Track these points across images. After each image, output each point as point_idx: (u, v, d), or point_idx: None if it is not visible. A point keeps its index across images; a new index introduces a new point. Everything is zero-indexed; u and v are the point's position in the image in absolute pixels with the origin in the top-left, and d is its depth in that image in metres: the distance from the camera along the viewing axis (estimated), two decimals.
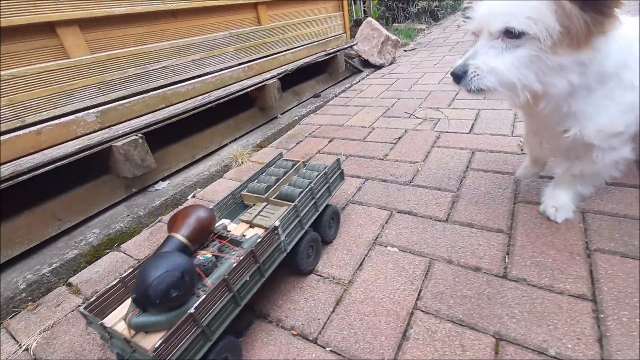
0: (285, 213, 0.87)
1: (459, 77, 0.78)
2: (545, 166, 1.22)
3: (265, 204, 1.02)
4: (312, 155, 1.74)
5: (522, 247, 0.96)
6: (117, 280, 0.75)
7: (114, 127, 1.33)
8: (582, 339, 0.71)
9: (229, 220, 0.98)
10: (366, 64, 3.27)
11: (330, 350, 0.77)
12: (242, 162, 1.77)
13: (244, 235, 0.90)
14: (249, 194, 1.06)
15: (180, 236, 0.76)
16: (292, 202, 0.92)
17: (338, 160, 1.12)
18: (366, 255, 1.03)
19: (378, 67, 3.27)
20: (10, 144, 1.10)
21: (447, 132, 1.74)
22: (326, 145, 1.82)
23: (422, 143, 1.66)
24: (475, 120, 1.82)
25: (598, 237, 0.94)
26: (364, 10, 4.05)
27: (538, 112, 0.85)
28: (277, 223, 0.83)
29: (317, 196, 1.00)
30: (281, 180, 1.09)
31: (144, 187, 1.51)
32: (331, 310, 0.87)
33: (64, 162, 1.15)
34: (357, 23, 3.51)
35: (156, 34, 1.50)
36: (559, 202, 1.05)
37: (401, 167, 1.48)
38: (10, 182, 1.05)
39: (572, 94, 0.79)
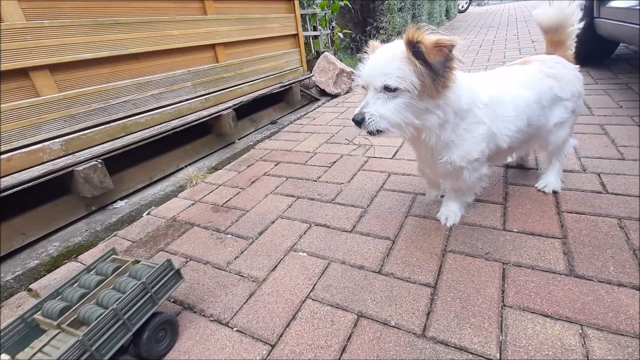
0: (64, 353, 0.73)
1: (359, 122, 1.01)
2: (440, 188, 1.51)
3: (57, 331, 0.85)
4: (258, 177, 1.99)
5: (399, 250, 1.23)
6: (17, 317, 0.78)
7: (77, 154, 1.55)
8: (416, 313, 0.97)
9: (8, 357, 0.82)
10: (323, 93, 3.61)
11: (236, 330, 1.01)
12: (196, 183, 2.00)
13: None
14: (42, 318, 0.88)
15: None
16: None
17: (168, 261, 0.99)
18: (281, 259, 1.28)
19: (334, 96, 3.62)
20: None
21: (374, 157, 2.04)
22: (272, 168, 2.09)
23: (351, 167, 1.96)
24: (400, 147, 2.14)
25: (454, 241, 1.23)
26: (325, 44, 4.44)
27: (422, 144, 1.14)
28: None
29: (127, 316, 0.86)
30: (91, 293, 0.93)
31: (102, 206, 1.71)
32: (244, 301, 1.11)
33: (30, 184, 1.36)
34: (318, 55, 3.88)
35: (119, 74, 1.75)
36: (449, 210, 1.34)
37: (329, 187, 1.76)
38: None
39: (442, 127, 1.08)
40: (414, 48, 0.92)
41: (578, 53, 1.40)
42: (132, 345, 0.91)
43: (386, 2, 5.28)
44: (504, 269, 1.08)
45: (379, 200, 1.58)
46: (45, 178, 1.40)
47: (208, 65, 2.27)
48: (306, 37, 3.95)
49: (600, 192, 1.38)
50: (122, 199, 1.79)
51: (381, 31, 5.41)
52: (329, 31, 4.41)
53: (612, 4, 2.43)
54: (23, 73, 1.40)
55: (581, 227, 1.21)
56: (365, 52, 1.08)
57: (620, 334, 0.83)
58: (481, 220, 1.33)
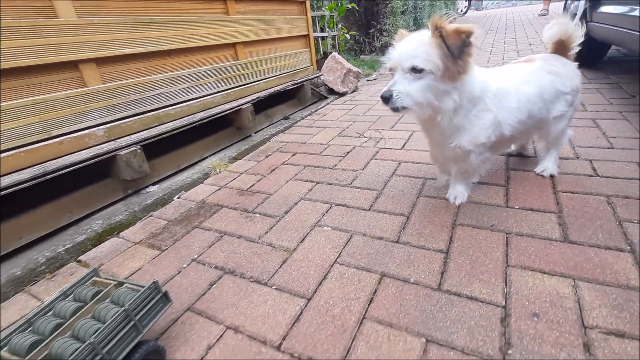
0: None
1: (387, 99, 1.14)
2: (450, 173, 1.66)
3: None
4: (277, 166, 2.14)
5: (413, 224, 1.39)
6: None
7: (118, 140, 1.70)
8: (432, 272, 1.13)
9: None
10: (331, 91, 3.77)
11: (275, 288, 1.16)
12: (220, 171, 2.15)
13: None
14: (8, 355, 0.78)
15: None
16: None
17: (155, 283, 0.91)
18: (308, 233, 1.43)
19: (342, 95, 3.78)
20: (38, 151, 1.45)
21: (384, 148, 2.20)
22: (289, 158, 2.24)
23: (364, 156, 2.11)
24: (408, 139, 2.30)
25: (462, 216, 1.39)
26: (332, 45, 4.62)
27: (435, 128, 1.29)
28: None
29: (107, 349, 0.77)
30: (64, 326, 0.83)
31: (137, 190, 1.86)
32: (278, 266, 1.26)
33: (79, 165, 1.51)
34: (325, 56, 4.05)
35: (153, 68, 1.90)
36: (457, 191, 1.49)
37: (344, 174, 1.91)
38: (40, 179, 1.39)
39: (456, 111, 1.22)
40: (438, 33, 1.07)
41: (577, 57, 1.57)
42: None
43: (389, 5, 5.45)
44: (507, 237, 1.24)
45: (392, 184, 1.74)
46: (93, 161, 1.55)
47: (229, 63, 2.43)
48: (315, 38, 4.11)
49: (591, 175, 1.54)
50: (153, 184, 1.94)
51: (384, 33, 5.59)
52: (336, 32, 4.58)
53: (603, 9, 2.61)
54: (73, 65, 1.55)
55: (574, 203, 1.37)
56: (394, 39, 1.23)
57: (607, 285, 0.99)
58: (486, 199, 1.49)
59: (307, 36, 3.36)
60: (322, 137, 2.57)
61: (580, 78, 1.50)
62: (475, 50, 1.14)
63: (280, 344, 0.95)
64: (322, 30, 4.34)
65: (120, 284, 0.96)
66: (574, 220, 1.27)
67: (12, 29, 1.33)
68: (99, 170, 1.71)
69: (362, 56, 5.71)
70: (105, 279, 1.00)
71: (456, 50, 1.08)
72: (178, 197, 1.90)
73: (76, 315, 0.86)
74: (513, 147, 1.85)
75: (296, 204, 1.67)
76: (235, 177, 2.06)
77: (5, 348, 0.79)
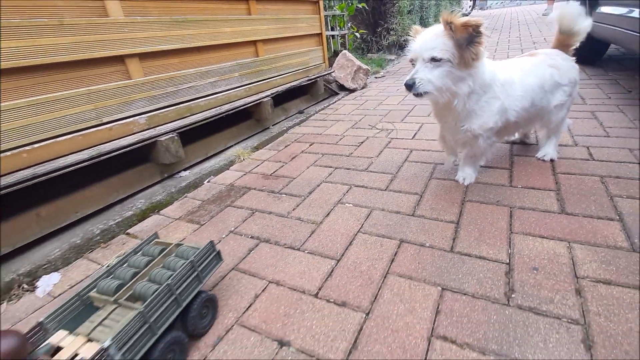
0: (127, 324, 0.77)
1: (410, 86, 1.28)
2: (457, 155, 1.82)
3: (114, 306, 0.88)
4: (297, 154, 2.31)
5: (427, 201, 1.55)
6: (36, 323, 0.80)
7: (157, 128, 1.88)
8: (445, 238, 1.29)
9: (67, 332, 0.84)
10: (342, 87, 3.94)
11: (307, 252, 1.33)
12: (244, 159, 2.33)
13: (76, 354, 0.77)
14: (97, 295, 0.92)
15: None
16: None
17: (211, 243, 1.06)
18: (332, 209, 1.60)
19: (352, 91, 3.95)
20: (93, 135, 1.63)
21: (396, 138, 2.37)
22: (307, 148, 2.41)
23: (377, 145, 2.28)
24: (418, 130, 2.46)
25: (471, 194, 1.55)
26: (341, 43, 4.78)
27: (450, 113, 1.44)
28: (107, 343, 0.72)
29: (178, 291, 0.91)
30: (140, 273, 0.98)
31: (172, 174, 2.04)
32: (308, 235, 1.43)
33: (127, 149, 1.69)
34: (336, 54, 4.21)
35: (186, 63, 2.08)
36: (465, 173, 1.66)
37: (360, 160, 2.08)
38: (96, 159, 1.57)
39: (469, 97, 1.37)
40: (449, 27, 1.22)
41: (575, 53, 1.72)
42: (178, 321, 0.93)
43: (396, 5, 5.61)
44: (511, 210, 1.40)
45: (405, 168, 1.90)
46: (138, 145, 1.73)
47: (250, 59, 2.60)
48: (326, 37, 4.28)
49: (587, 159, 1.70)
50: (185, 169, 2.11)
51: (391, 32, 5.74)
52: (345, 31, 4.75)
53: (602, 9, 2.76)
54: (120, 59, 1.73)
55: (571, 182, 1.53)
56: (410, 34, 1.39)
57: (597, 246, 1.15)
58: (492, 180, 1.65)
59: (320, 34, 3.53)
60: (337, 129, 2.73)
61: (578, 72, 1.65)
62: (485, 39, 1.29)
63: (317, 293, 1.12)
64: (332, 29, 4.51)
65: (179, 244, 1.10)
66: (571, 196, 1.43)
67: (71, 27, 1.51)
68: (139, 155, 1.89)
69: (369, 55, 5.87)
70: (165, 241, 1.14)
71: (464, 41, 1.23)
72: (208, 181, 2.07)
73: (149, 266, 1.02)
74: (517, 136, 2.01)
75: (318, 186, 1.84)
76: (258, 164, 2.23)
77: (94, 290, 0.95)
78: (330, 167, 2.05)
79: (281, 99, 3.07)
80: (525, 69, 1.54)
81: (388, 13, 5.72)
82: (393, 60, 5.71)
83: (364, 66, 4.02)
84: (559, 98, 1.61)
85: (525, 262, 1.13)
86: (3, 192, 1.28)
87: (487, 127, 1.45)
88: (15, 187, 1.31)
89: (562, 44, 1.69)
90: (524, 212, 1.37)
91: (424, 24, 6.95)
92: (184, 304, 0.94)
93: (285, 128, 2.83)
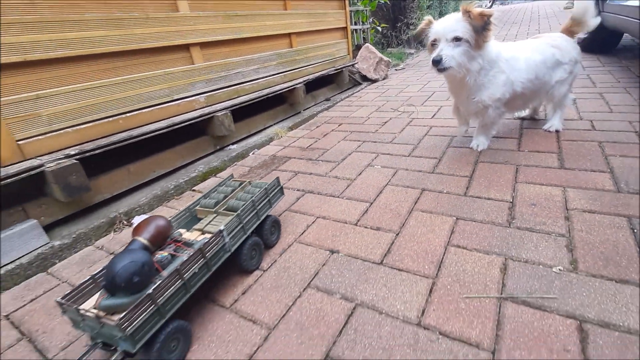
0: (230, 220, 1.05)
1: (438, 61, 1.52)
2: (469, 124, 2.06)
3: (214, 215, 1.21)
4: (328, 132, 2.62)
5: (445, 163, 1.83)
6: (89, 277, 0.91)
7: (213, 105, 2.23)
8: (459, 187, 1.56)
9: (185, 230, 1.17)
10: (365, 78, 4.22)
11: (345, 198, 1.63)
12: (281, 136, 2.65)
13: (196, 240, 1.07)
14: (202, 208, 1.25)
15: (142, 239, 0.95)
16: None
17: (277, 179, 1.34)
18: (363, 170, 1.90)
19: (374, 81, 4.23)
20: (167, 109, 1.99)
21: (417, 118, 2.64)
22: (337, 127, 2.71)
23: (400, 124, 2.56)
24: (437, 111, 2.72)
25: (482, 157, 1.82)
26: (363, 37, 5.06)
27: (463, 87, 1.69)
28: (222, 227, 1.02)
29: (258, 207, 1.21)
30: (229, 196, 1.29)
31: (223, 147, 2.38)
32: (345, 188, 1.73)
33: (192, 121, 2.04)
34: (357, 47, 4.50)
35: (235, 52, 2.42)
36: (479, 141, 1.92)
37: (385, 135, 2.37)
38: (168, 129, 1.92)
39: (479, 72, 1.63)
40: (467, 15, 1.50)
41: (590, 43, 1.96)
42: (255, 232, 1.24)
43: (416, 0, 5.83)
44: (516, 167, 1.66)
45: (425, 140, 2.18)
46: (200, 118, 2.08)
47: (285, 50, 2.93)
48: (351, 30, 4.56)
49: (589, 130, 1.93)
50: (233, 143, 2.46)
51: (411, 27, 5.97)
52: (368, 26, 5.02)
53: (614, 1, 2.93)
54: (186, 48, 2.09)
55: (572, 147, 1.77)
56: (421, 25, 1.66)
57: (587, 189, 1.40)
58: (502, 147, 1.91)
59: (345, 28, 3.82)
60: (362, 112, 3.02)
61: (578, 51, 1.88)
62: (494, 27, 1.57)
63: (357, 222, 1.42)
64: (355, 23, 4.79)
65: (250, 182, 1.43)
66: (570, 156, 1.68)
67: (154, 19, 1.87)
68: (198, 129, 2.24)
69: (389, 49, 6.12)
70: (240, 179, 1.49)
71: (479, 27, 1.52)
72: (253, 153, 2.41)
73: (234, 192, 1.35)
74: (527, 112, 2.25)
75: (349, 154, 2.14)
76: (294, 140, 2.55)
77: (198, 205, 1.29)
78: (359, 140, 2.35)
79: (311, 87, 3.38)
80: (528, 48, 1.80)
81: (408, 8, 5.95)
82: (412, 54, 5.93)
83: (385, 58, 4.29)
84: (560, 75, 1.84)
85: (525, 200, 1.39)
86: (110, 147, 1.64)
87: (495, 98, 1.71)
88: (117, 145, 1.67)
89: (568, 30, 1.92)
90: (528, 168, 1.63)
91: None
92: (261, 219, 1.26)
93: (315, 112, 3.15)
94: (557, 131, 1.97)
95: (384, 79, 4.34)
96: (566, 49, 1.83)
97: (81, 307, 0.84)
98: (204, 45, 2.18)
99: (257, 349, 0.93)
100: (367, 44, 4.28)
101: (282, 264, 1.24)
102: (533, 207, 1.35)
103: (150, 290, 0.83)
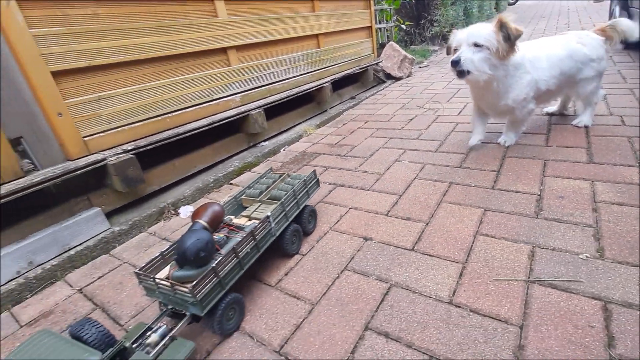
0: (275, 208, 1.18)
1: (456, 62, 1.55)
2: (484, 135, 1.98)
3: (259, 204, 1.34)
4: (354, 129, 2.71)
5: (472, 158, 1.88)
6: (158, 254, 1.05)
7: (247, 105, 2.37)
8: (487, 181, 1.62)
9: (233, 217, 1.30)
10: (389, 76, 4.27)
11: (375, 191, 1.72)
12: (310, 134, 2.77)
13: (246, 225, 1.21)
14: (247, 197, 1.39)
15: (202, 221, 1.07)
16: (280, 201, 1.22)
17: (314, 172, 1.45)
18: (391, 165, 1.98)
19: (398, 79, 4.27)
20: (207, 108, 2.14)
21: (442, 115, 2.69)
22: (363, 124, 2.80)
23: (426, 121, 2.61)
24: (463, 108, 2.76)
25: (510, 152, 1.86)
26: (387, 35, 5.10)
27: (490, 91, 1.70)
28: (268, 213, 1.15)
29: (298, 197, 1.32)
30: (271, 187, 1.42)
31: (255, 143, 2.52)
32: (374, 181, 1.82)
33: (230, 119, 2.18)
34: (381, 46, 4.55)
35: (267, 54, 2.55)
36: (507, 137, 1.94)
37: (411, 132, 2.43)
38: (208, 127, 2.08)
39: (505, 77, 1.67)
40: (502, 27, 1.54)
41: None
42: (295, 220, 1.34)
43: None
44: (544, 162, 1.70)
45: (451, 137, 2.23)
46: (237, 117, 2.22)
47: (313, 50, 3.04)
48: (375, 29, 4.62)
49: (619, 125, 1.93)
50: (264, 140, 2.60)
51: (435, 24, 5.94)
52: (392, 24, 5.06)
53: None
54: (224, 51, 2.23)
55: (601, 142, 1.78)
56: (449, 31, 1.72)
57: (615, 183, 1.43)
58: (530, 142, 1.94)
59: (370, 27, 3.89)
60: (387, 110, 3.09)
61: (604, 49, 1.86)
62: (519, 43, 1.62)
63: (387, 213, 1.51)
64: (379, 22, 4.84)
65: (288, 175, 1.55)
66: (599, 151, 1.70)
67: (196, 25, 2.02)
68: (233, 127, 2.39)
69: (412, 46, 6.12)
70: (278, 172, 1.63)
71: (513, 40, 1.56)
72: (284, 149, 2.54)
73: (275, 184, 1.48)
74: (556, 108, 2.25)
75: (377, 150, 2.23)
76: (323, 137, 2.66)
77: (243, 195, 1.43)
78: (385, 137, 2.43)
79: (336, 85, 3.48)
80: (552, 44, 1.82)
81: (431, 5, 5.93)
82: (436, 51, 5.91)
83: (410, 56, 4.32)
84: (587, 72, 1.84)
85: (553, 193, 1.44)
86: (159, 144, 1.80)
87: (520, 99, 1.73)
88: (165, 142, 1.84)
89: (603, 31, 1.88)
90: (556, 163, 1.67)
91: (468, 14, 7.03)
92: (301, 208, 1.37)
93: (341, 110, 3.24)
94: (586, 127, 1.98)
95: (408, 76, 4.38)
96: (592, 44, 1.83)
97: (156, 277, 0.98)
98: (239, 48, 2.32)
99: (303, 320, 1.04)
100: (391, 42, 4.33)
101: (319, 249, 1.35)
102: (561, 199, 1.39)
103: (213, 264, 0.96)
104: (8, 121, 1.39)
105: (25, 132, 1.46)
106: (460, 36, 1.61)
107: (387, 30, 5.08)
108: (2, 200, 1.30)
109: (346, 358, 0.90)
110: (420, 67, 4.95)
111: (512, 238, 1.22)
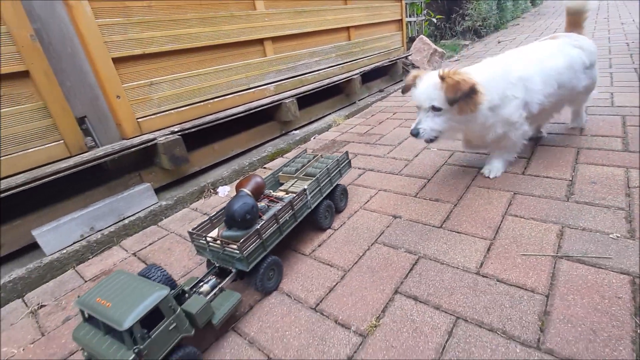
0: (310, 183, 1.28)
1: (415, 135, 1.36)
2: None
3: (295, 180, 1.44)
4: (383, 120, 2.76)
5: None
6: (207, 218, 1.17)
7: (281, 94, 2.48)
8: (518, 167, 1.64)
9: (271, 191, 1.42)
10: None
11: (405, 175, 1.77)
12: (339, 124, 2.85)
13: (284, 197, 1.34)
14: (284, 174, 1.50)
15: (247, 190, 1.18)
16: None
17: (347, 152, 1.53)
18: (420, 152, 2.02)
19: None
20: (244, 96, 2.27)
21: None
22: (391, 116, 2.84)
23: None
24: None
25: (542, 140, 1.85)
26: (417, 29, 5.08)
27: (474, 127, 1.42)
28: (305, 186, 1.26)
29: (332, 175, 1.41)
30: (306, 165, 1.51)
31: (287, 132, 2.63)
32: (403, 167, 1.87)
33: (265, 107, 2.30)
34: (411, 40, 4.54)
35: (300, 45, 2.65)
36: (493, 166, 1.60)
37: None
38: (245, 113, 2.20)
39: (486, 117, 1.35)
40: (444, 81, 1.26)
41: None
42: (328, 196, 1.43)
43: None
44: (577, 150, 1.68)
45: None
46: (271, 104, 2.34)
47: (344, 42, 3.11)
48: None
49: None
50: (296, 129, 2.70)
51: (466, 18, 5.83)
52: (422, 18, 5.03)
53: None
54: (260, 42, 2.35)
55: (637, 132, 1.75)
56: (409, 81, 1.45)
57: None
58: (563, 131, 1.92)
59: (400, 20, 3.91)
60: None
61: (596, 53, 1.66)
62: (481, 95, 1.28)
63: (416, 195, 1.57)
64: (409, 16, 4.84)
65: (322, 155, 1.63)
66: (636, 140, 1.67)
67: (237, 17, 2.15)
68: (266, 115, 2.51)
69: (442, 41, 6.04)
70: (312, 154, 1.71)
71: (451, 101, 1.25)
72: (314, 138, 2.63)
73: (309, 163, 1.57)
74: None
75: (405, 139, 2.27)
76: (352, 127, 2.73)
77: (280, 172, 1.53)
78: None
79: (365, 78, 3.53)
80: (547, 53, 1.52)
81: None
82: (467, 45, 5.80)
83: (440, 49, 4.29)
84: (586, 81, 1.60)
85: (585, 179, 1.44)
86: (202, 127, 1.95)
87: (511, 122, 1.43)
88: (207, 125, 1.97)
89: (574, 25, 1.71)
90: (590, 151, 1.66)
91: (501, 8, 6.83)
92: (333, 185, 1.46)
93: (369, 102, 3.29)
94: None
95: None
96: (589, 49, 1.60)
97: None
98: (275, 39, 2.43)
99: (336, 284, 1.13)
100: (421, 35, 4.32)
101: (350, 225, 1.43)
102: (593, 184, 1.40)
103: (258, 227, 1.07)
104: (75, 102, 1.57)
105: (89, 112, 1.63)
106: (416, 94, 1.38)
107: (417, 24, 5.05)
108: (71, 171, 1.47)
109: (377, 315, 0.98)
110: (450, 61, 4.90)
111: (541, 219, 1.25)
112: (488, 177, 1.59)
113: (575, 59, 1.53)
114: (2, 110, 1.36)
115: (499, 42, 5.81)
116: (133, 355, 0.71)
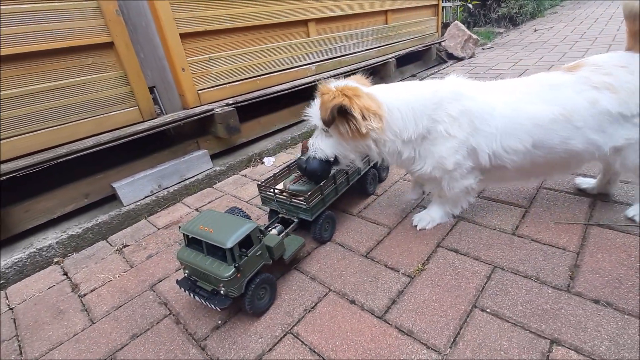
0: None
1: (306, 152, 1.22)
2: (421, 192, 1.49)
3: None
4: None
5: None
6: (284, 167, 1.43)
7: (321, 74, 2.61)
8: None
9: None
10: (451, 56, 4.27)
11: None
12: None
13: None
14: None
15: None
16: None
17: None
18: None
19: (460, 59, 4.26)
20: (288, 74, 2.41)
21: None
22: None
23: None
24: None
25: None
26: (452, 15, 5.04)
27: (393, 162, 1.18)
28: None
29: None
30: None
31: None
32: None
33: (307, 85, 2.44)
34: (445, 25, 4.53)
35: (341, 27, 2.76)
36: (431, 214, 1.29)
37: None
38: (289, 90, 2.35)
39: (399, 152, 1.12)
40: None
41: None
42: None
43: None
44: None
45: None
46: (312, 84, 2.47)
47: (382, 26, 3.18)
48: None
49: None
50: None
51: (502, 4, 5.71)
52: (458, 3, 4.99)
53: None
54: (304, 23, 2.47)
55: None
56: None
57: None
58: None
59: (436, 5, 3.92)
60: None
61: None
62: (358, 119, 1.03)
63: None
64: (446, 1, 4.80)
65: None
66: None
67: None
68: (306, 94, 2.64)
69: (475, 28, 5.95)
70: None
71: (324, 121, 1.06)
72: None
73: None
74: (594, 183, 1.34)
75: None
76: None
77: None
78: None
79: (398, 62, 3.59)
80: (532, 92, 1.07)
81: None
82: (502, 33, 5.70)
83: (474, 36, 4.27)
84: (625, 135, 1.01)
85: None
86: (252, 101, 2.11)
87: (446, 169, 1.11)
88: (256, 100, 2.14)
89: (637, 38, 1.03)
90: None
91: None
92: (362, 173, 1.55)
93: None
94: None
95: (470, 57, 4.34)
96: (630, 88, 0.99)
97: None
98: (318, 21, 2.55)
99: (383, 238, 1.28)
100: (456, 21, 4.30)
101: (392, 192, 1.58)
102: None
103: (321, 184, 1.23)
104: (147, 73, 1.75)
105: (158, 82, 1.82)
106: (313, 114, 1.19)
107: (452, 9, 5.01)
108: (146, 133, 1.67)
109: (422, 262, 1.12)
110: (483, 48, 4.85)
111: (575, 192, 1.35)
112: (415, 226, 1.30)
113: (580, 109, 1.01)
114: (92, 77, 1.56)
115: (535, 31, 5.67)
116: (233, 269, 0.88)
